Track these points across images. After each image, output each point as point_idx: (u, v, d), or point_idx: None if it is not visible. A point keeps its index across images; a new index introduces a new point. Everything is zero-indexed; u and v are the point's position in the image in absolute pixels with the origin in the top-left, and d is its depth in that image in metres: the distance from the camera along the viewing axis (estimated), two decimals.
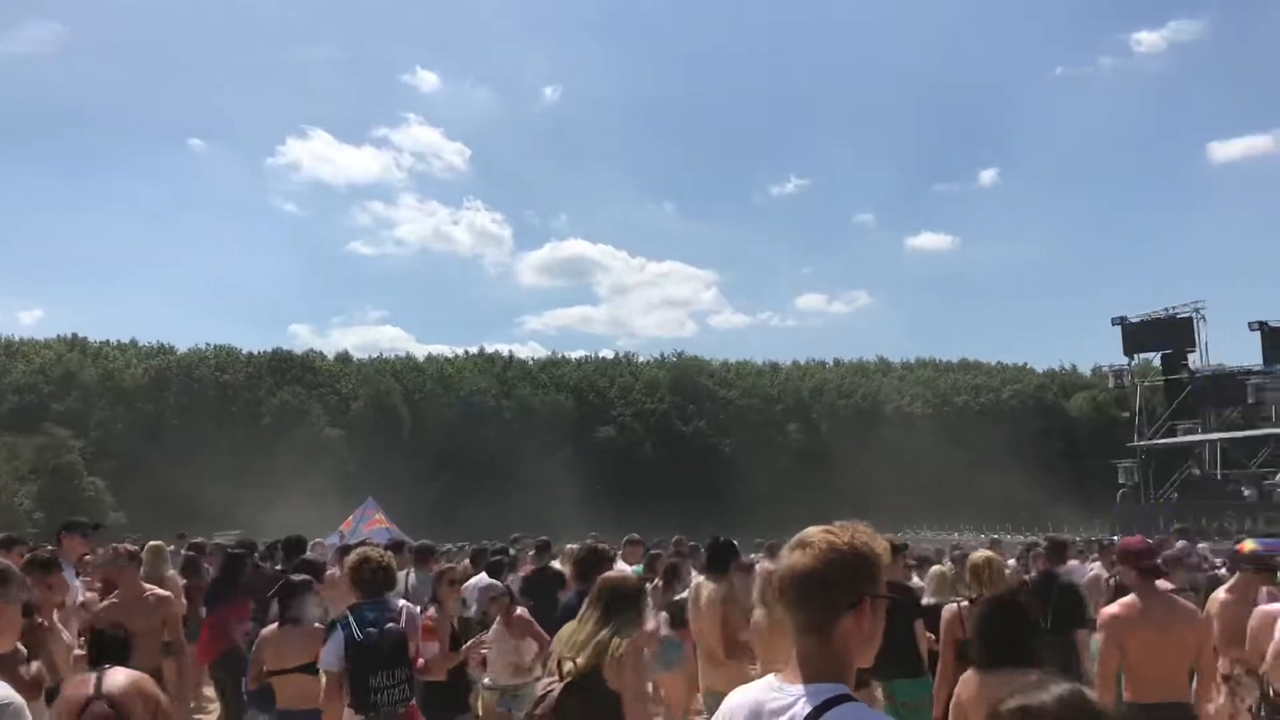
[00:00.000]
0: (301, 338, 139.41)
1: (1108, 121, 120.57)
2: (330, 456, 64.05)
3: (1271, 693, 5.09)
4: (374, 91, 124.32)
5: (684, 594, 7.90)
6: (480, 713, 7.23)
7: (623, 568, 7.85)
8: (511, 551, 11.40)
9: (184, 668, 7.12)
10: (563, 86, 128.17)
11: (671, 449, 73.04)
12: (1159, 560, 6.15)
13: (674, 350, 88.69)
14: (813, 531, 2.12)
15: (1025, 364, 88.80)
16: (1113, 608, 5.59)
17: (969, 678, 4.27)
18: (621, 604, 4.13)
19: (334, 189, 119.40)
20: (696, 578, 7.78)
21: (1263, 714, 5.27)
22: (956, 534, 34.82)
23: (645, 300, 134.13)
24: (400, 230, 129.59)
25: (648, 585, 6.30)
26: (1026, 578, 9.47)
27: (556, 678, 3.90)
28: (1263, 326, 34.17)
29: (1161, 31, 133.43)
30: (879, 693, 7.41)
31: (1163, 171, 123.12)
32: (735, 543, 7.62)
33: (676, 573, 9.10)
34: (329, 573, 8.58)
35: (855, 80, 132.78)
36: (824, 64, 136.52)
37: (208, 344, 75.18)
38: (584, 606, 4.17)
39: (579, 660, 3.89)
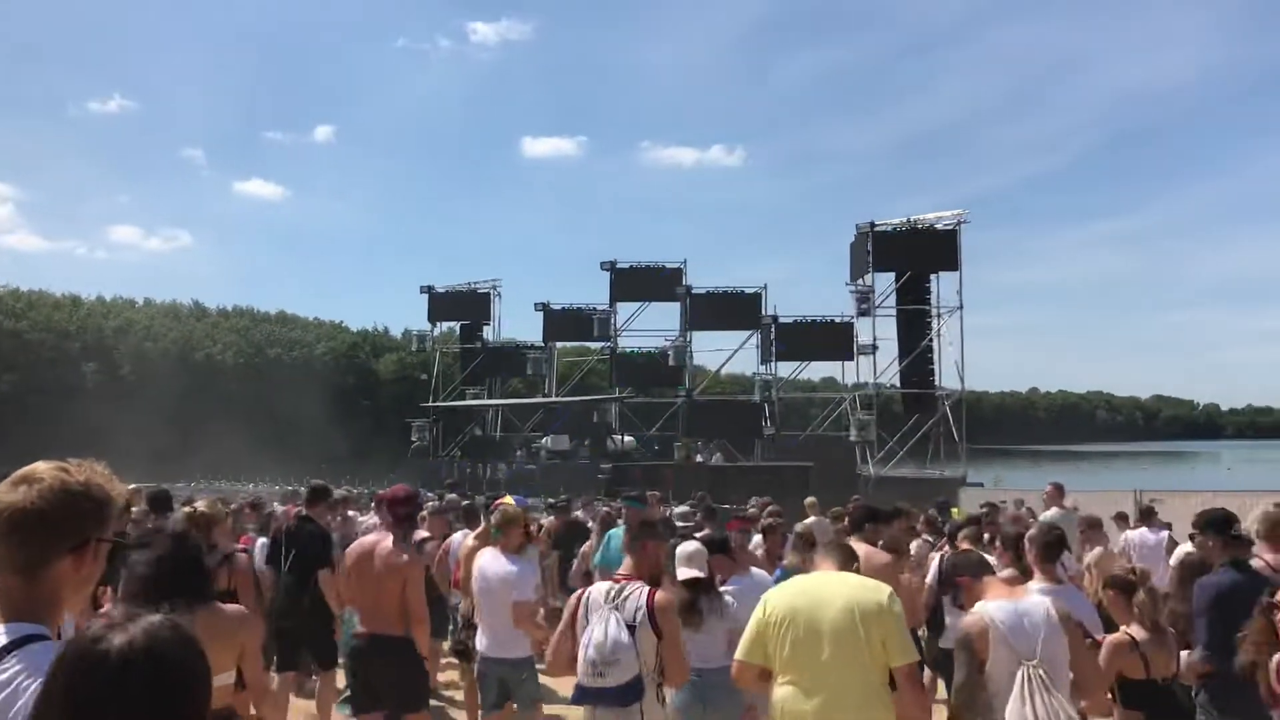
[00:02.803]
0: None
1: (439, 100, 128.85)
2: None
3: None
4: None
5: None
6: None
7: None
8: None
9: None
10: None
11: None
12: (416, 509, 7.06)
13: None
14: (42, 467, 2.01)
15: (341, 322, 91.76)
16: (353, 549, 6.30)
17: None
18: None
19: None
20: None
21: None
22: (252, 485, 34.74)
23: None
24: None
25: None
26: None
27: None
28: (545, 307, 38.90)
29: (496, 25, 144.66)
30: None
31: (481, 156, 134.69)
32: None
33: None
34: None
35: (196, 9, 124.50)
36: None
37: None
38: None
39: None
